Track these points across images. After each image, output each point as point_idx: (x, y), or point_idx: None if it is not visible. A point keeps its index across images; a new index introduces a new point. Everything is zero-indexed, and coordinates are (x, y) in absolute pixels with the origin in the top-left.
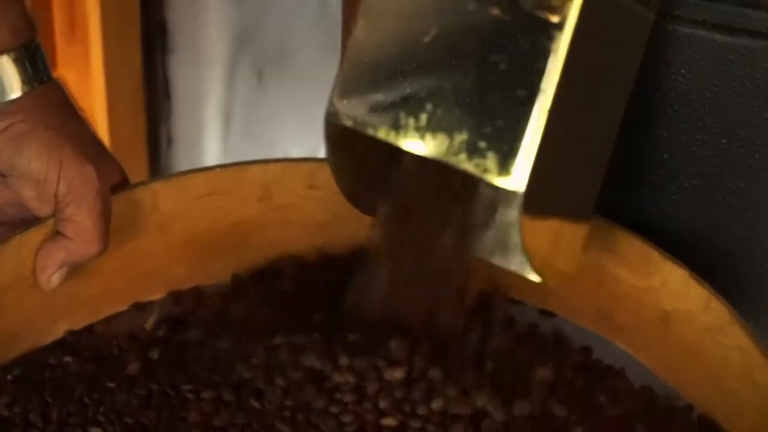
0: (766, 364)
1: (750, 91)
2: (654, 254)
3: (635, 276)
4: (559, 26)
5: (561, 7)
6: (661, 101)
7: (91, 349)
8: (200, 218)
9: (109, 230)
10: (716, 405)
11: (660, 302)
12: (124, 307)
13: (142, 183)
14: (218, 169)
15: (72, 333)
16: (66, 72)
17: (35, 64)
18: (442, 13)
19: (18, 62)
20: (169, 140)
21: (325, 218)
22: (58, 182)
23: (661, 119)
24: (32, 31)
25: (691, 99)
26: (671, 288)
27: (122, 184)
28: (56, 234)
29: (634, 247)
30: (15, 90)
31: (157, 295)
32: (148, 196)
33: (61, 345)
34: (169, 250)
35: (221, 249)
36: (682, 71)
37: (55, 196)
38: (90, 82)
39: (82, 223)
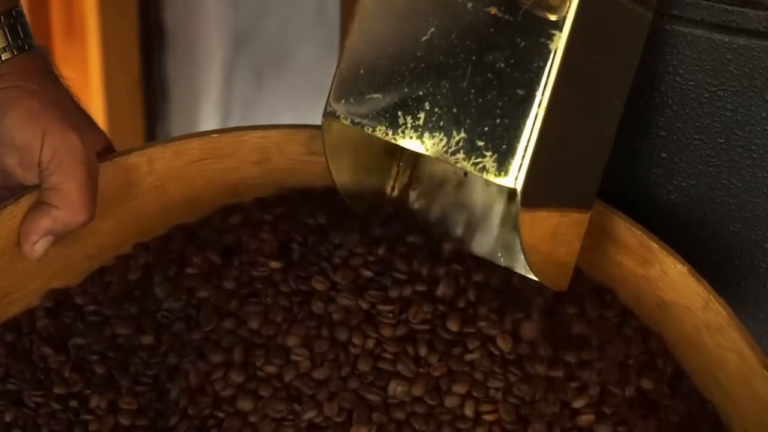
0: (763, 374)
1: (748, 91)
2: (654, 246)
3: (634, 263)
4: (558, 25)
5: (559, 6)
6: (659, 101)
7: (76, 310)
8: (197, 180)
9: (95, 198)
10: (714, 397)
11: (658, 291)
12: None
13: (137, 148)
14: (215, 135)
15: (54, 291)
16: (64, 72)
17: (16, 33)
18: (440, 12)
19: None
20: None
21: (324, 183)
22: (41, 150)
23: (659, 119)
24: (12, 0)
25: (689, 98)
26: (670, 281)
27: (107, 151)
28: (41, 203)
29: (633, 235)
30: None
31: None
32: (143, 161)
33: (53, 308)
34: (165, 210)
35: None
36: (680, 71)
37: (39, 164)
38: (88, 82)
39: (67, 191)
